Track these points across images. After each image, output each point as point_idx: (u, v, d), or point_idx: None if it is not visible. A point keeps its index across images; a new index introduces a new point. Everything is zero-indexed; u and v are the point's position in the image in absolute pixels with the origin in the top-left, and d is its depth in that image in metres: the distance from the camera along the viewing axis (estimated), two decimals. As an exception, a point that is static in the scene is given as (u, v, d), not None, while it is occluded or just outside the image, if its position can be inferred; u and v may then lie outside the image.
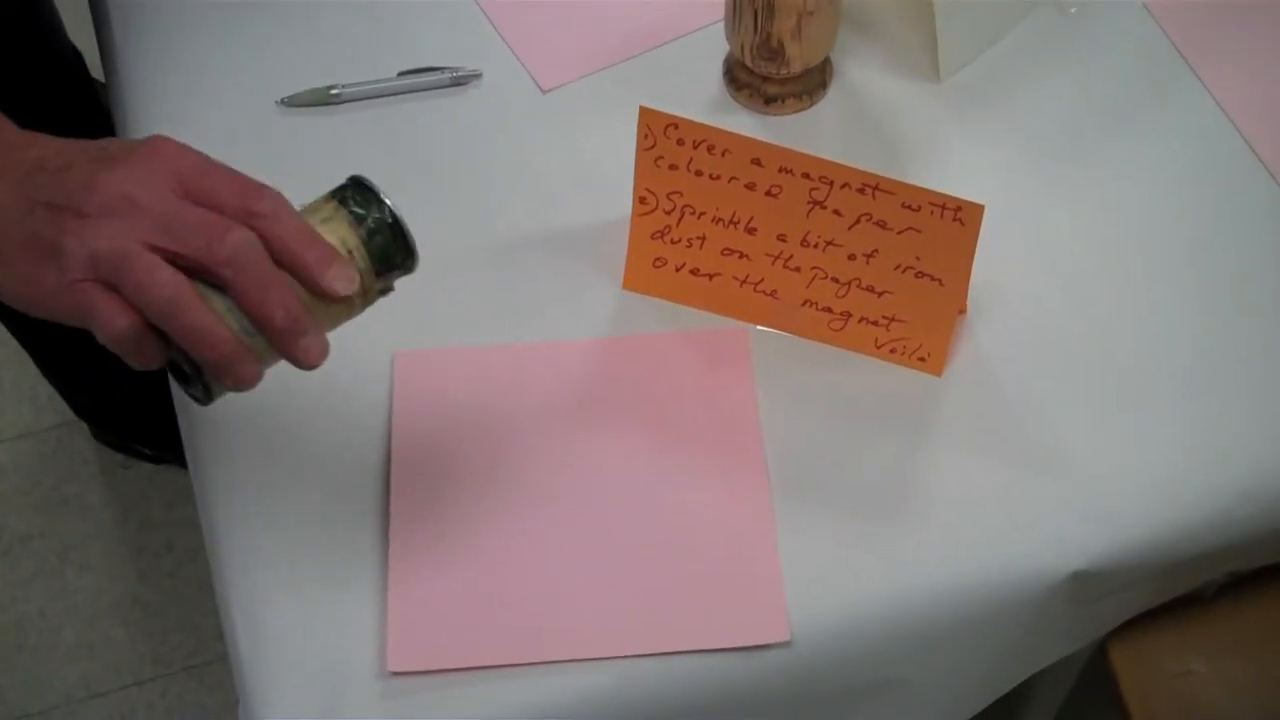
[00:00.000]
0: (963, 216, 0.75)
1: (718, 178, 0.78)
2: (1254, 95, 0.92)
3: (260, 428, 0.80)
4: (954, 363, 0.82)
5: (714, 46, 0.93)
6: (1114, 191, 0.88)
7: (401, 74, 0.93)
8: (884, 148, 0.90)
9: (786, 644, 0.73)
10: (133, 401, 1.51)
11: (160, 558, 1.62)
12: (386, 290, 0.67)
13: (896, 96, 0.93)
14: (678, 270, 0.83)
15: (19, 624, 1.58)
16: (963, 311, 0.83)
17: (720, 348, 0.83)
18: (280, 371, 0.82)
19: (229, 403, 0.81)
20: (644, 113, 0.78)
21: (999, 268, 0.83)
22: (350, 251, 0.64)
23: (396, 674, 0.72)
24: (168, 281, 0.59)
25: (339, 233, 0.64)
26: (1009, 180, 0.89)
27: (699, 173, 0.79)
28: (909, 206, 0.76)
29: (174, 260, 0.59)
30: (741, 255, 0.81)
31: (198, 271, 0.60)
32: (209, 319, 0.60)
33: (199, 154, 0.63)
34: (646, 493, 0.78)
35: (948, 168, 0.89)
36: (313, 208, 0.65)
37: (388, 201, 0.65)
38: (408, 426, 0.80)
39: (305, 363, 0.63)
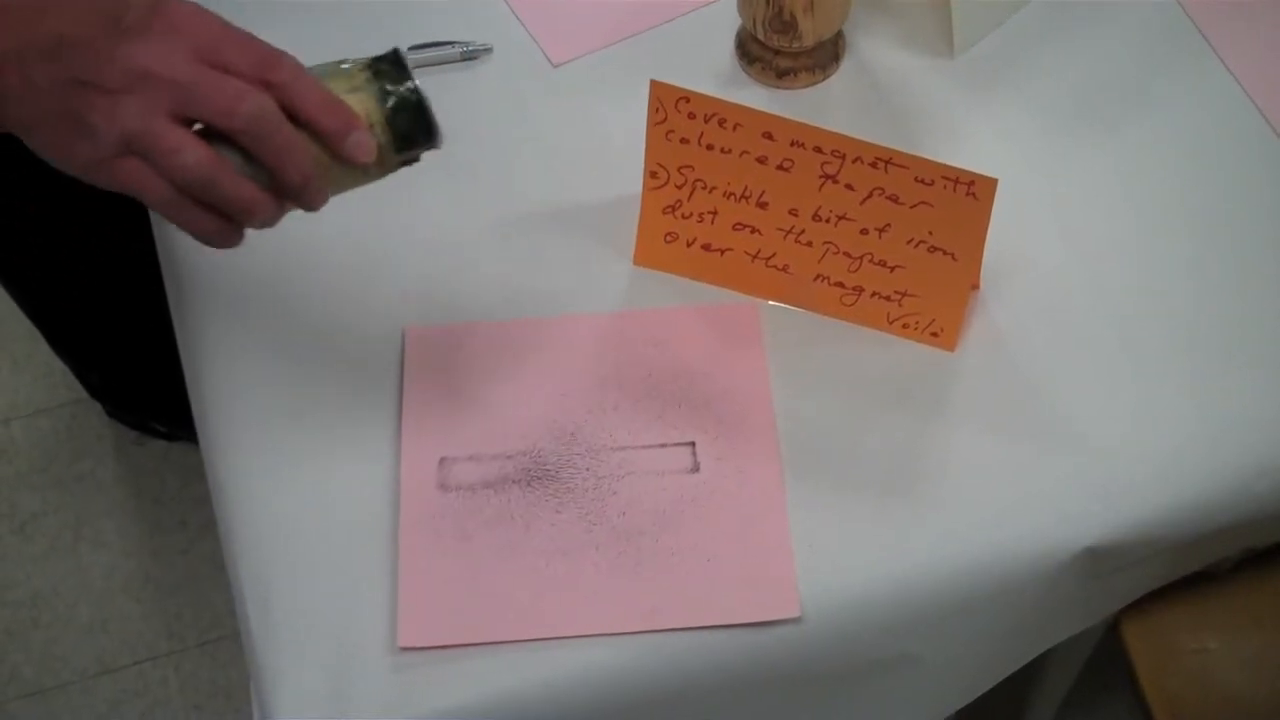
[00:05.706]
0: (976, 191, 0.74)
1: (729, 152, 0.78)
2: (1271, 69, 0.91)
3: (271, 402, 0.80)
4: (967, 338, 0.82)
5: (726, 20, 0.92)
6: (1129, 166, 0.88)
7: (411, 48, 0.92)
8: (897, 122, 0.90)
9: (797, 620, 0.73)
10: (145, 378, 1.51)
11: (173, 534, 1.62)
12: (410, 162, 0.69)
13: (910, 71, 0.92)
14: (689, 245, 0.83)
15: (33, 600, 1.58)
16: (976, 286, 0.82)
17: (731, 323, 0.82)
18: (292, 346, 0.83)
19: (240, 377, 0.82)
20: (655, 86, 0.77)
21: (1013, 243, 0.83)
22: (373, 125, 0.66)
23: (407, 649, 0.72)
24: (194, 164, 0.63)
25: (365, 105, 0.67)
26: (1023, 155, 0.88)
27: (710, 147, 0.78)
28: (922, 181, 0.75)
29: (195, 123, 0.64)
30: (753, 230, 0.81)
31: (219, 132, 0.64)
32: (241, 188, 0.64)
33: (216, 20, 0.66)
34: (657, 467, 0.77)
35: (961, 142, 0.88)
36: (346, 73, 0.67)
37: (415, 82, 0.67)
38: (418, 401, 0.80)
39: (310, 208, 0.68)
